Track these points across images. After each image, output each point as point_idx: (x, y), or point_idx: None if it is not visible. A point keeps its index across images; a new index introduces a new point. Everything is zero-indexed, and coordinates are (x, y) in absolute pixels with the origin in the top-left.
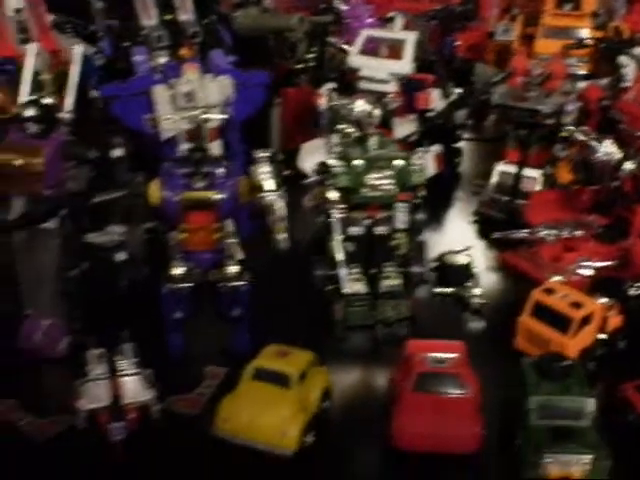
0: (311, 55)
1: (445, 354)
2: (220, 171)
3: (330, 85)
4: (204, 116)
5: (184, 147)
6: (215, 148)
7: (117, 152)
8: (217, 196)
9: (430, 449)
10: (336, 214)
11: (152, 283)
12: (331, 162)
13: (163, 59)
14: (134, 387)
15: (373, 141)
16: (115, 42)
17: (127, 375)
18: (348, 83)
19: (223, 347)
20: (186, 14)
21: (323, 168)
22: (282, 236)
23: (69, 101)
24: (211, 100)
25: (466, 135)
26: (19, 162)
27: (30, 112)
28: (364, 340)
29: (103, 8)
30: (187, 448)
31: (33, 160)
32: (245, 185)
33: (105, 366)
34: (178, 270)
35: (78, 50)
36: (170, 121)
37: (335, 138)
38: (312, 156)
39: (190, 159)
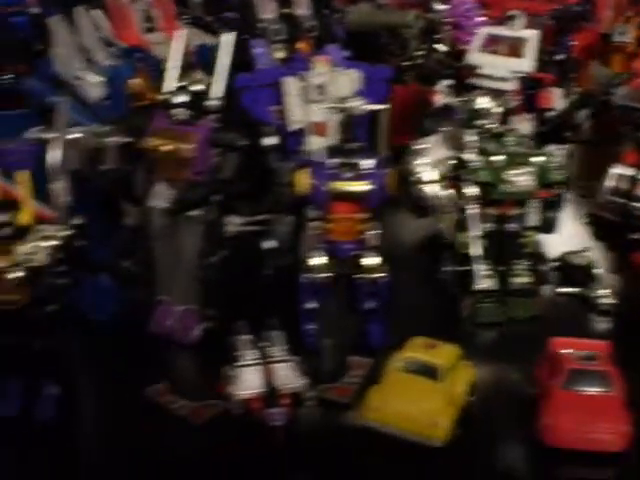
0: (419, 52)
1: (592, 352)
2: (369, 162)
3: (446, 82)
4: (365, 106)
5: (313, 140)
6: None
7: (270, 140)
8: (367, 187)
9: (578, 446)
10: (473, 209)
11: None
12: (469, 157)
13: (281, 52)
14: (287, 374)
15: (510, 137)
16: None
17: (279, 362)
18: (464, 80)
19: (354, 338)
20: (303, 8)
21: (459, 163)
22: (447, 226)
23: (218, 88)
24: (342, 93)
25: (580, 136)
26: (169, 148)
27: (180, 98)
28: (493, 337)
29: (200, 2)
30: (336, 435)
31: (183, 146)
32: (393, 177)
33: (257, 352)
34: (318, 260)
35: (227, 38)
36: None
37: (470, 134)
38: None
39: (340, 149)
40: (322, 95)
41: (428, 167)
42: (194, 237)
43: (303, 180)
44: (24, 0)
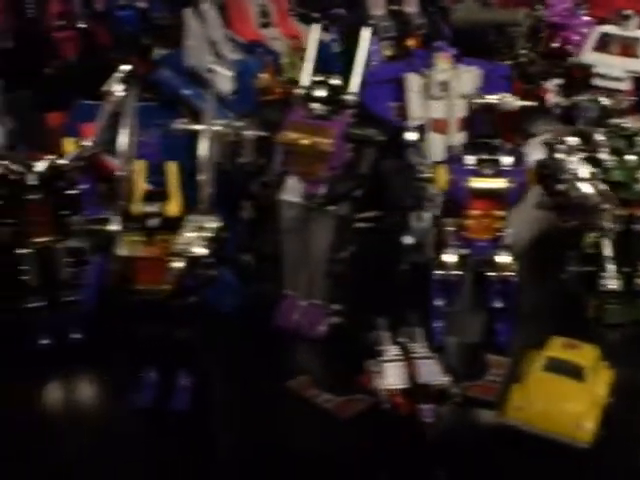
0: (524, 51)
1: None
2: (509, 159)
3: (557, 81)
4: (517, 102)
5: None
6: (460, 139)
7: (411, 135)
8: (507, 184)
9: None
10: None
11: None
12: (602, 156)
13: (389, 50)
14: (432, 370)
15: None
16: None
17: (422, 358)
18: (574, 79)
19: (482, 337)
20: (411, 6)
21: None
22: (609, 223)
23: (355, 83)
24: (465, 90)
25: None
26: (307, 141)
27: (319, 93)
28: (619, 338)
29: None
30: (477, 432)
31: (322, 140)
32: (532, 174)
33: (398, 348)
34: (452, 257)
35: (366, 33)
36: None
37: (601, 133)
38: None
39: (482, 146)
40: (444, 92)
41: (580, 163)
42: (325, 231)
43: (442, 176)
44: None
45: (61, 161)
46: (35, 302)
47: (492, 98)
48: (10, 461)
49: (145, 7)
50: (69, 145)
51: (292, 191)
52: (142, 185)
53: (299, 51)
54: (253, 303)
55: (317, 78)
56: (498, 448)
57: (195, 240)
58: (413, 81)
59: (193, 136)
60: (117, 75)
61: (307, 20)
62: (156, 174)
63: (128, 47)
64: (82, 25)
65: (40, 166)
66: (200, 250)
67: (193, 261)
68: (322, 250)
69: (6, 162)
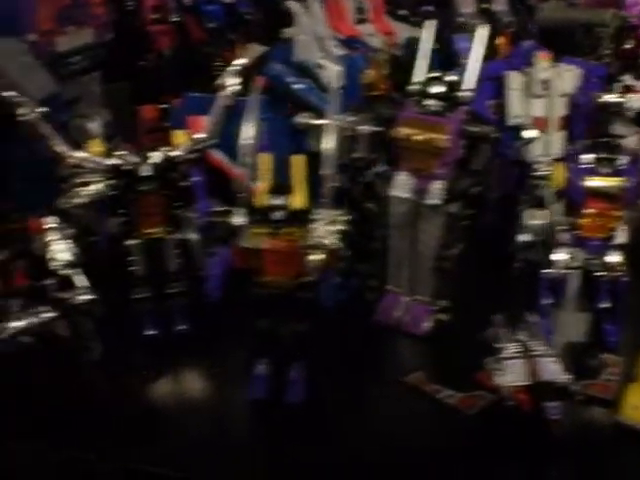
0: (607, 51)
1: None
2: (625, 158)
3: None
4: None
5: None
6: (560, 138)
7: (529, 133)
8: (624, 183)
9: None
10: None
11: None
12: None
13: None
14: (553, 368)
15: None
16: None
17: (543, 356)
18: None
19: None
20: (500, 4)
21: None
22: None
23: (470, 79)
24: (566, 88)
25: None
26: (423, 137)
27: (435, 89)
28: None
29: None
30: (592, 430)
31: (438, 137)
32: None
33: (518, 345)
34: (563, 255)
35: (482, 31)
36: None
37: None
38: None
39: (602, 145)
40: (545, 90)
41: None
42: (435, 228)
43: (560, 174)
44: None
45: (175, 153)
46: (143, 293)
47: (614, 97)
48: (122, 454)
49: (231, 2)
50: (180, 137)
51: (402, 187)
52: (267, 178)
53: (394, 47)
54: (355, 298)
55: (433, 74)
56: (615, 447)
57: (329, 233)
58: (515, 79)
59: (298, 130)
60: (231, 69)
61: (396, 18)
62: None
63: (218, 41)
64: (176, 19)
65: (156, 157)
66: (337, 242)
67: (331, 254)
68: (430, 247)
69: (123, 152)
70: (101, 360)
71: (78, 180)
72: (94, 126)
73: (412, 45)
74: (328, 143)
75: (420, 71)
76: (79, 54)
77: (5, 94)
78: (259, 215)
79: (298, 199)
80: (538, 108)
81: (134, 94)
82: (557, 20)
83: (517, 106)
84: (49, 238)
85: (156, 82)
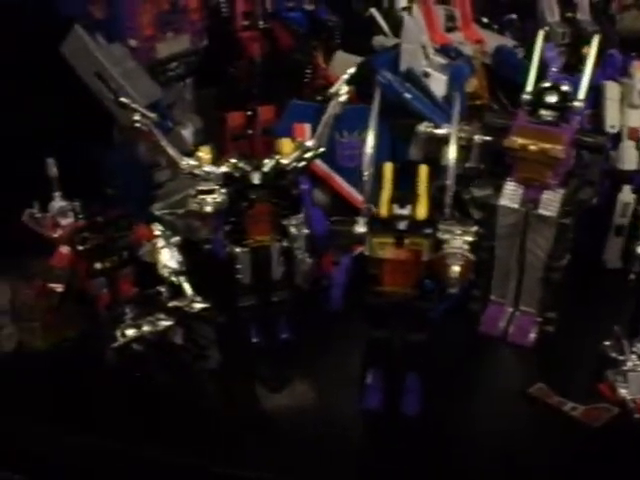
0: None
1: None
2: None
3: None
4: None
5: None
6: None
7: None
8: None
9: None
10: None
11: None
12: None
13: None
14: None
15: None
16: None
17: None
18: None
19: None
20: (585, 13)
21: None
22: None
23: (584, 89)
24: None
25: None
26: (539, 147)
27: (551, 99)
28: None
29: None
30: None
31: (555, 147)
32: None
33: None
34: None
35: (596, 40)
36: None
37: None
38: None
39: None
40: None
41: None
42: (545, 239)
43: None
44: None
45: (285, 161)
46: (248, 301)
47: None
48: (233, 460)
49: (312, 9)
50: (287, 146)
51: (512, 197)
52: (390, 187)
53: (485, 55)
54: (457, 309)
55: (547, 84)
56: None
57: (465, 244)
58: (612, 89)
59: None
60: (344, 77)
61: (480, 25)
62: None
63: (305, 48)
64: (265, 25)
65: (267, 165)
66: (471, 254)
67: (468, 265)
68: (540, 258)
69: (235, 160)
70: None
71: (194, 189)
72: (187, 133)
73: (501, 54)
74: (451, 153)
75: (532, 80)
76: (176, 60)
77: (122, 100)
78: (383, 224)
79: (422, 209)
80: (634, 118)
81: (222, 100)
82: (636, 30)
83: (614, 116)
84: (158, 245)
85: (244, 89)
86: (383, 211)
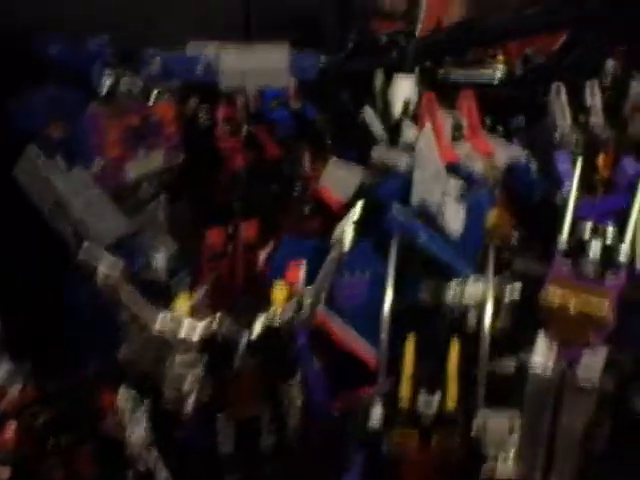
0: None
1: None
2: None
3: None
4: None
5: None
6: None
7: None
8: None
9: None
10: None
11: None
12: None
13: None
14: None
15: None
16: None
17: None
18: None
19: None
20: (598, 116)
21: None
22: None
23: (630, 241)
24: None
25: None
26: (578, 305)
27: (592, 248)
28: None
29: None
30: None
31: (596, 305)
32: None
33: None
34: None
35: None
36: None
37: None
38: None
39: None
40: None
41: None
42: (586, 407)
43: None
44: (284, 93)
45: (278, 319)
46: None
47: None
48: None
49: (298, 108)
50: (280, 293)
51: (544, 357)
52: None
53: (497, 171)
54: None
55: (588, 226)
56: None
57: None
58: None
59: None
60: (348, 221)
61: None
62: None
63: (294, 157)
64: (247, 131)
65: (256, 329)
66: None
67: None
68: (575, 428)
69: (215, 325)
70: None
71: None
72: (160, 259)
73: (516, 171)
74: (487, 318)
75: (567, 226)
76: (148, 180)
77: (85, 247)
78: (404, 416)
79: (452, 397)
80: None
81: (199, 217)
82: None
83: None
84: (125, 416)
85: (225, 203)
86: (404, 400)
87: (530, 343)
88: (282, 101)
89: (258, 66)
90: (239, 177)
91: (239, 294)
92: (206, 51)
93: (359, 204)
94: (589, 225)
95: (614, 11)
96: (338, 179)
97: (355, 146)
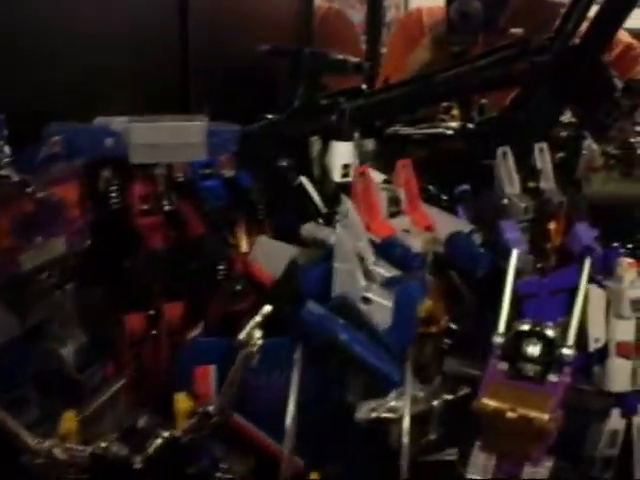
0: None
1: None
2: None
3: None
4: None
5: None
6: None
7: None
8: None
9: None
10: None
11: None
12: None
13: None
14: None
15: None
16: None
17: None
18: None
19: None
20: (548, 181)
21: None
22: None
23: (573, 330)
24: None
25: None
26: (515, 415)
27: (531, 349)
28: None
29: None
30: None
31: (536, 415)
32: None
33: None
34: None
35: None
36: None
37: None
38: None
39: None
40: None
41: None
42: None
43: None
44: (216, 161)
45: (179, 434)
46: None
47: None
48: None
49: (231, 176)
50: (183, 402)
51: (481, 472)
52: None
53: (437, 244)
54: None
55: (524, 326)
56: None
57: None
58: (598, 297)
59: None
60: (255, 321)
61: (426, 197)
62: None
63: (220, 235)
64: (169, 207)
65: (156, 444)
66: None
67: None
68: None
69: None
70: None
71: None
72: (67, 353)
73: (456, 242)
74: (405, 436)
75: (504, 319)
76: (48, 269)
77: None
78: None
79: None
80: (624, 331)
81: (116, 301)
82: (610, 196)
83: (598, 328)
84: None
85: (145, 286)
86: None
87: (465, 456)
88: (214, 169)
89: (171, 141)
90: (158, 257)
91: (162, 384)
92: (115, 125)
93: (267, 308)
94: (527, 324)
95: (564, 67)
96: (266, 254)
97: (291, 216)
